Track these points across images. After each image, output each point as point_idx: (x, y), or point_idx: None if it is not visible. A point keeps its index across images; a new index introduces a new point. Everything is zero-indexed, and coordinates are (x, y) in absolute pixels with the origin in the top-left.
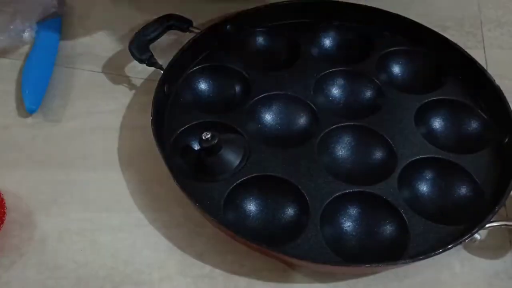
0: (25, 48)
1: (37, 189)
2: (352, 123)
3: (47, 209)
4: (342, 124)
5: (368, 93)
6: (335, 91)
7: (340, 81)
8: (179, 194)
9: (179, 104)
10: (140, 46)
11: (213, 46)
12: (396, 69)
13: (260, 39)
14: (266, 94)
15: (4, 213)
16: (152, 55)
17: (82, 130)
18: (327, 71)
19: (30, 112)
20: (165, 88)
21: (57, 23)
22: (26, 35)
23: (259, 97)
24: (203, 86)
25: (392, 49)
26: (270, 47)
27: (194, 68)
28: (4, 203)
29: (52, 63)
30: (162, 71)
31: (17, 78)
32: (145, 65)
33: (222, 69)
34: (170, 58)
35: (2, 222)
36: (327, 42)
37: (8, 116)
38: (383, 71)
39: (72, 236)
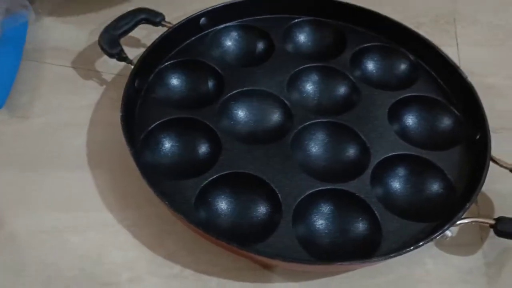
0: None
1: (4, 188)
2: (326, 120)
3: (14, 209)
4: (316, 120)
5: (342, 90)
6: (309, 87)
7: (314, 77)
8: (150, 192)
9: (151, 100)
10: (110, 40)
11: (186, 41)
12: (370, 66)
13: (233, 34)
14: (240, 90)
15: None
16: (122, 50)
17: (51, 127)
18: (301, 67)
19: None
20: (135, 83)
21: (24, 16)
22: None
23: (232, 93)
24: (175, 81)
25: (366, 45)
26: (244, 43)
27: (166, 63)
28: None
29: (19, 57)
30: (132, 66)
31: None
32: (115, 60)
33: (194, 64)
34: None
35: None
36: (301, 37)
37: None
38: (357, 67)
39: (40, 236)
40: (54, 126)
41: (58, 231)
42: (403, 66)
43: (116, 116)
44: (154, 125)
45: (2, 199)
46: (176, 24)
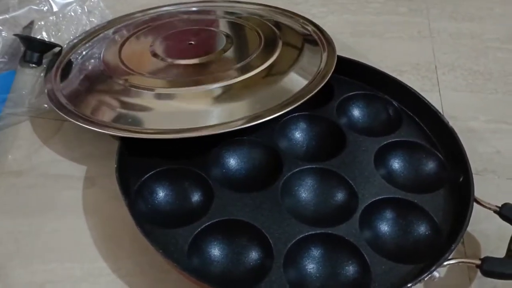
0: None
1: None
2: (314, 166)
3: (9, 261)
4: (305, 167)
5: (330, 137)
6: (298, 135)
7: (303, 125)
8: (143, 241)
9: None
10: None
11: None
12: (356, 113)
13: None
14: (230, 139)
15: None
16: None
17: (45, 179)
18: (290, 115)
19: None
20: None
21: (9, 76)
22: None
23: (223, 143)
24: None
25: (352, 93)
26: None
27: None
28: None
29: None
30: None
31: None
32: None
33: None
34: None
35: None
36: None
37: None
38: (343, 114)
39: None
40: (48, 178)
41: (52, 283)
42: (387, 113)
43: (110, 166)
44: (147, 175)
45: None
46: None
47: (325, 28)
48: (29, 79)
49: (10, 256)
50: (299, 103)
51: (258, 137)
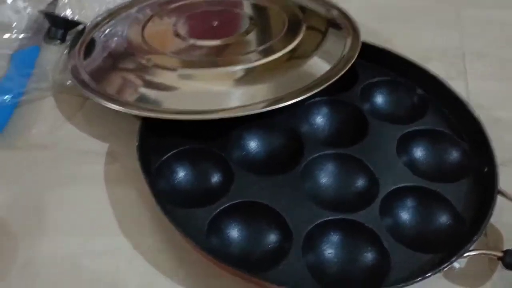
0: None
1: (21, 213)
2: (336, 151)
3: (31, 234)
4: (326, 152)
5: (352, 122)
6: (320, 120)
7: (325, 110)
8: (164, 219)
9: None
10: None
11: None
12: (379, 99)
13: None
14: (251, 121)
15: None
16: None
17: (68, 153)
18: (312, 100)
19: None
20: None
21: (34, 51)
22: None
23: (244, 125)
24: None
25: (376, 79)
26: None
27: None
28: None
29: (21, 92)
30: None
31: None
32: None
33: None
34: None
35: None
36: None
37: None
38: (366, 100)
39: (55, 261)
40: (70, 153)
41: (73, 256)
42: (411, 100)
43: (132, 144)
44: (168, 154)
45: (19, 224)
46: None
47: (350, 11)
48: (53, 55)
49: (32, 228)
50: (321, 87)
51: (279, 120)
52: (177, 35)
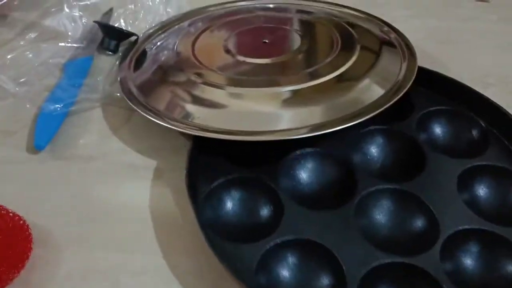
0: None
1: (65, 224)
2: (392, 186)
3: (73, 246)
4: (381, 186)
5: (409, 154)
6: (373, 150)
7: (379, 140)
8: (205, 244)
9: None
10: None
11: None
12: (438, 130)
13: None
14: (302, 151)
15: (31, 248)
16: None
17: (113, 166)
18: (366, 128)
19: (38, 149)
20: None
21: (87, 62)
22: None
23: (295, 154)
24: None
25: (433, 108)
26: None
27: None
28: (31, 238)
29: (72, 102)
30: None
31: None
32: None
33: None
34: None
35: (28, 258)
36: None
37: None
38: (423, 131)
39: (95, 276)
40: (115, 166)
41: (113, 272)
42: (471, 132)
43: (178, 161)
44: (217, 182)
45: (62, 236)
46: None
47: (406, 32)
48: (105, 66)
49: (75, 240)
50: (371, 115)
51: (331, 148)
52: (227, 51)
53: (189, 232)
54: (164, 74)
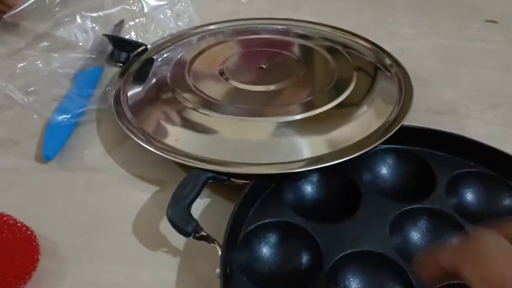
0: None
1: (70, 236)
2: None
3: (77, 258)
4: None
5: (451, 235)
6: (414, 233)
7: (421, 223)
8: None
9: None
10: (181, 214)
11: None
12: (468, 196)
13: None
14: (342, 254)
15: (38, 259)
16: (197, 224)
17: (119, 178)
18: (401, 210)
19: (46, 159)
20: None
21: (97, 72)
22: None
23: (335, 259)
24: (265, 250)
25: (457, 172)
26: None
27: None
28: (39, 249)
29: (80, 113)
30: (219, 247)
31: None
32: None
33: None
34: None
35: (34, 269)
36: (384, 171)
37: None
38: (453, 199)
39: None
40: (121, 178)
41: (118, 286)
42: (499, 194)
43: (181, 173)
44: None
45: (68, 247)
46: (253, 181)
47: (413, 51)
48: (114, 77)
49: (80, 252)
50: (369, 148)
51: (373, 246)
52: (221, 74)
53: (199, 247)
54: (157, 91)
